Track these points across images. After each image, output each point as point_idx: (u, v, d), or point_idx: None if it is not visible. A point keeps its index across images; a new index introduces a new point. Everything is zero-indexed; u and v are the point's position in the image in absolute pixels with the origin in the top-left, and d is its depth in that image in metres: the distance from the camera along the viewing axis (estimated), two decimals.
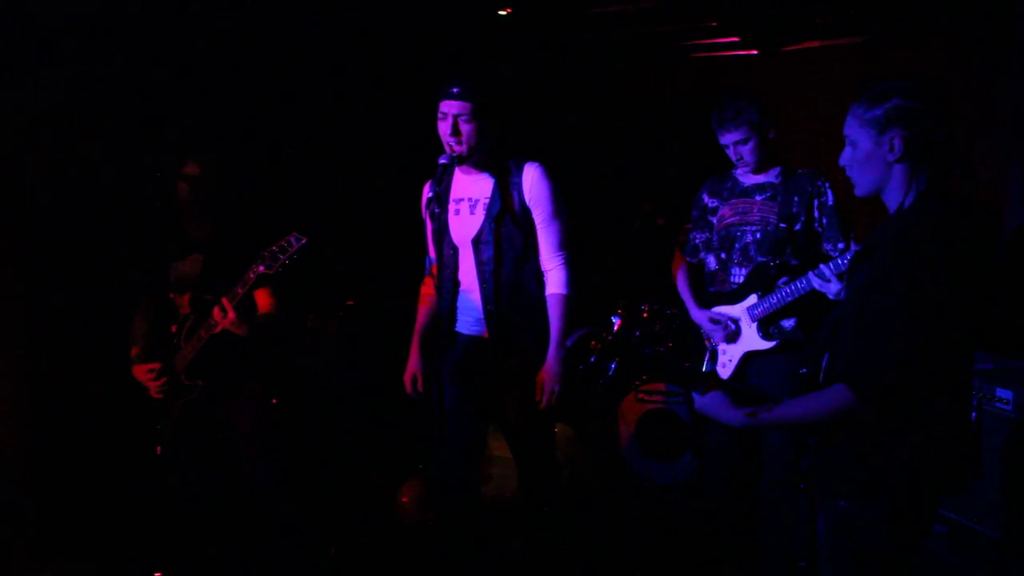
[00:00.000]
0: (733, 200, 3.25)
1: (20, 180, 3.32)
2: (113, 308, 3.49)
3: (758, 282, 3.15)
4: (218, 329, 2.95)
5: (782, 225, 3.12)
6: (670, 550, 3.66)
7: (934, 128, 1.87)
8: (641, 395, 4.42)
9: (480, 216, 2.84)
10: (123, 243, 3.50)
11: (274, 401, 3.46)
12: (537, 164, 2.84)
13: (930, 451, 1.85)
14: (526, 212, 2.83)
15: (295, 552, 3.19)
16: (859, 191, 1.98)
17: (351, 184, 4.62)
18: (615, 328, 4.72)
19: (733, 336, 3.20)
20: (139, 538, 3.33)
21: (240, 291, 2.86)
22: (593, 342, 4.76)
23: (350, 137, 4.60)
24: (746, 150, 3.11)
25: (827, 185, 3.12)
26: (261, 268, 2.82)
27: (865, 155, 1.91)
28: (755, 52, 5.51)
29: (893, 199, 1.93)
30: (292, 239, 2.81)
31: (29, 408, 3.42)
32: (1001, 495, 3.08)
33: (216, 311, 2.88)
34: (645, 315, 4.71)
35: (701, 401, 1.98)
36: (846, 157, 1.97)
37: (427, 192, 2.86)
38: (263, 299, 3.09)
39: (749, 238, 3.18)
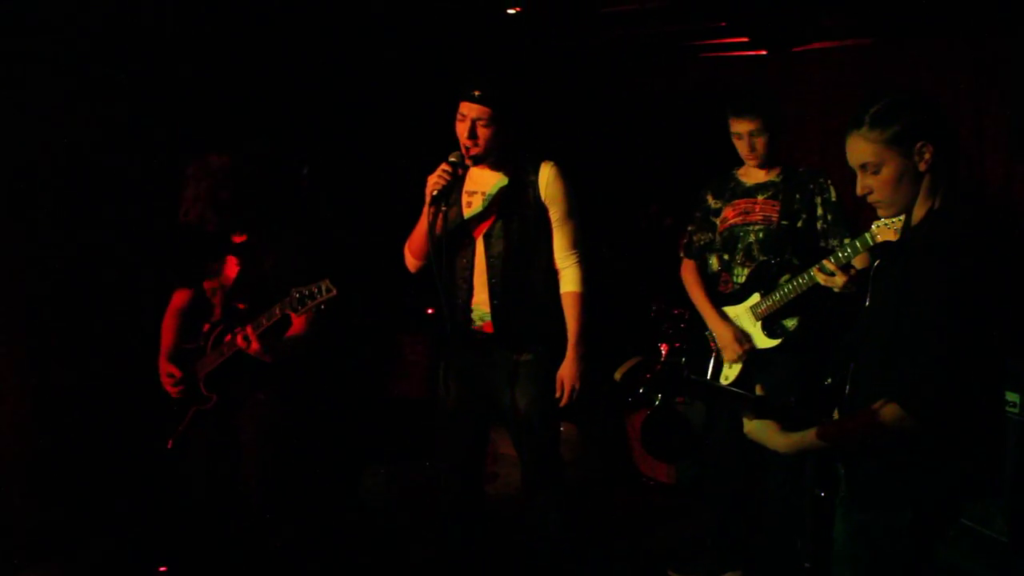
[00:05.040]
0: (735, 200, 3.24)
1: (31, 177, 3.33)
2: (127, 302, 3.51)
3: (761, 281, 3.14)
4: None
5: (784, 223, 3.11)
6: (672, 550, 3.65)
7: (948, 131, 1.88)
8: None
9: (492, 210, 2.83)
10: (142, 237, 3.50)
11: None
12: (553, 163, 2.84)
13: (963, 460, 1.84)
14: (539, 209, 2.82)
15: (286, 558, 3.13)
16: (890, 211, 1.95)
17: (359, 182, 4.63)
18: (663, 357, 4.60)
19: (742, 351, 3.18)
20: (141, 535, 3.32)
21: (264, 323, 2.82)
22: (647, 375, 4.61)
23: (356, 136, 4.60)
24: (759, 142, 3.10)
25: (829, 182, 3.12)
26: (288, 311, 2.75)
27: (896, 174, 1.89)
28: (764, 52, 5.49)
29: (921, 208, 1.92)
30: (323, 288, 2.70)
31: (32, 404, 3.43)
32: (1010, 498, 3.05)
33: (240, 339, 2.82)
34: (653, 314, 4.69)
35: (751, 427, 1.98)
36: (867, 185, 1.93)
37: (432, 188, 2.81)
38: (297, 320, 2.97)
39: (752, 238, 3.16)
